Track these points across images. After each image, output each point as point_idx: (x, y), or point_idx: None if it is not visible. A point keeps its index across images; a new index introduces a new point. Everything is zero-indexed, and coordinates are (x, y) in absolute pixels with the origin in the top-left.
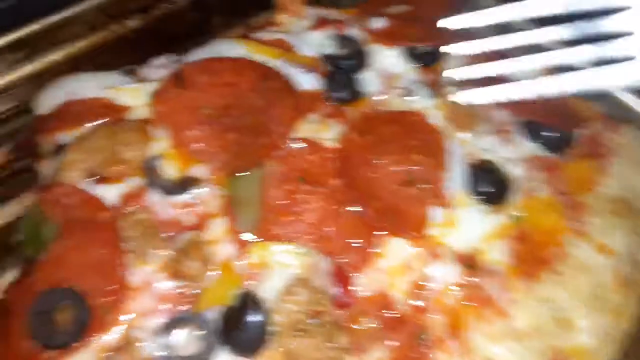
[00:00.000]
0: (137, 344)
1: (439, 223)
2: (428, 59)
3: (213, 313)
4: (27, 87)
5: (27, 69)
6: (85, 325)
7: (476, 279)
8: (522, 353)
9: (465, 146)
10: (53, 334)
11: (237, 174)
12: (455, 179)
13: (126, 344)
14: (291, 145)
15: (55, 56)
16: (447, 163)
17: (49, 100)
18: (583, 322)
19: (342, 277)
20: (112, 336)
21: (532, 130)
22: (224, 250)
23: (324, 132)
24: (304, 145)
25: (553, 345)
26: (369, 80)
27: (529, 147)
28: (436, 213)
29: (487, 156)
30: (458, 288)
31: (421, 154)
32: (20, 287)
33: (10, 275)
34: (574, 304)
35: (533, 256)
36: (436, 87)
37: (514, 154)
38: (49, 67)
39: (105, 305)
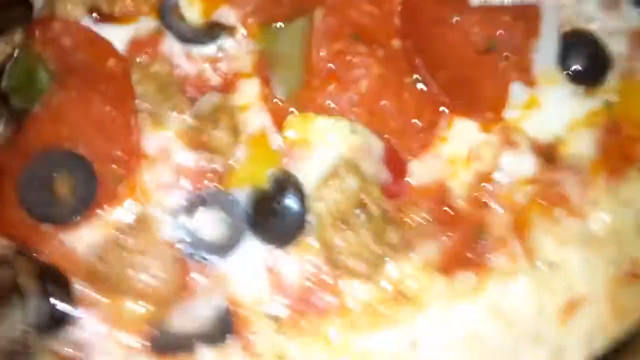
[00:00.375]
0: (153, 223)
1: (520, 104)
2: None
3: (242, 194)
4: None
5: None
6: (90, 196)
7: (554, 174)
8: (593, 260)
9: (564, 10)
10: (51, 205)
11: (275, 24)
12: (546, 50)
13: (140, 222)
14: None
15: None
16: (540, 29)
17: None
18: None
19: (396, 162)
20: (123, 212)
21: None
22: (256, 119)
23: None
24: None
25: (631, 255)
26: None
27: (637, 19)
28: (518, 91)
29: (587, 25)
30: (531, 183)
31: (513, 14)
32: (11, 145)
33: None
34: None
35: (621, 151)
36: None
37: (618, 25)
38: None
39: (115, 174)
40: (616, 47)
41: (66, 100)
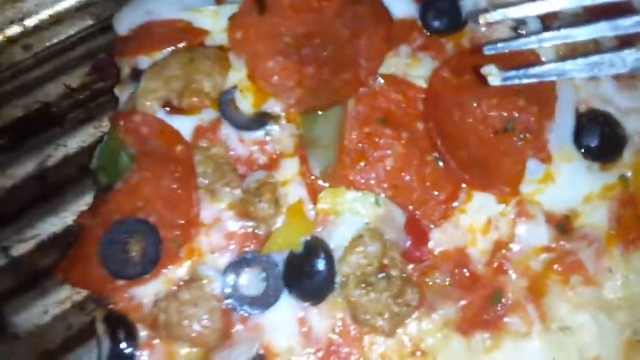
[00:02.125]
0: (204, 280)
1: (536, 179)
2: None
3: (280, 257)
4: (106, 3)
5: None
6: (157, 257)
7: (568, 244)
8: (607, 325)
9: (580, 92)
10: (126, 264)
11: (313, 112)
12: (561, 130)
13: (193, 279)
14: (377, 81)
15: None
16: (555, 111)
17: (128, 19)
18: None
19: (417, 230)
20: (181, 270)
21: None
22: (294, 192)
23: (414, 68)
24: (390, 82)
25: None
26: (473, 7)
27: None
28: (534, 167)
29: (602, 106)
30: (546, 251)
31: (528, 99)
32: (95, 215)
33: (86, 199)
34: None
35: (637, 222)
36: (551, 20)
37: (634, 104)
38: None
39: (177, 239)
40: (632, 124)
41: (142, 179)
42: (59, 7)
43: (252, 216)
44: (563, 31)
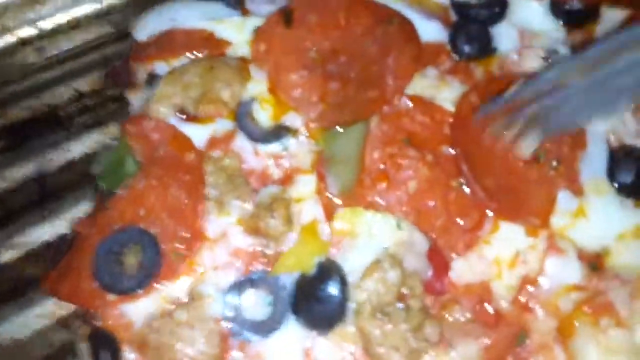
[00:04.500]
0: (204, 300)
1: (567, 212)
2: (578, 17)
3: (289, 278)
4: (125, 12)
5: None
6: (154, 271)
7: (600, 283)
8: None
9: (609, 123)
10: (120, 276)
11: (335, 129)
12: (593, 162)
13: (192, 298)
14: (403, 102)
15: None
16: (587, 141)
17: (149, 26)
18: None
19: (439, 259)
20: (179, 287)
21: None
22: (309, 211)
23: (441, 90)
24: (416, 103)
25: None
26: (504, 35)
27: None
28: (565, 199)
29: (632, 141)
30: (576, 290)
31: None
32: (92, 222)
33: (84, 208)
34: None
35: None
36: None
37: None
38: None
39: (178, 252)
40: None
41: (147, 186)
42: (77, 13)
43: (262, 233)
44: None
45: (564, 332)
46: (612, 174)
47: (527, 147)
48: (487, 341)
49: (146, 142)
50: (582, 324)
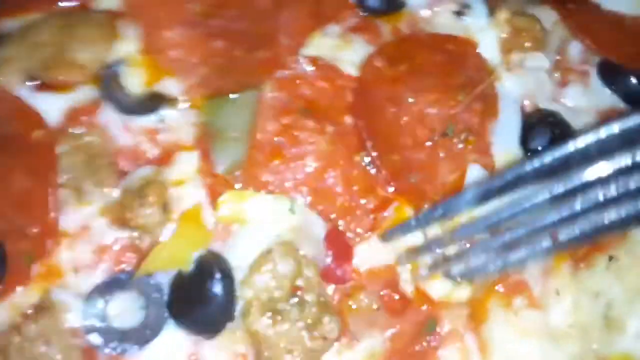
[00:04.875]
0: (61, 307)
1: None
2: None
3: (164, 277)
4: None
5: None
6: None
7: None
8: (554, 355)
9: (523, 88)
10: None
11: (220, 96)
12: (506, 131)
13: (48, 306)
14: (300, 65)
15: None
16: (499, 109)
17: None
18: (635, 325)
19: (339, 244)
20: (32, 294)
21: (611, 73)
22: (191, 195)
23: (344, 51)
24: (316, 67)
25: (595, 349)
26: None
27: (605, 96)
28: (475, 174)
29: (549, 104)
30: None
31: (468, 95)
32: None
33: None
34: (628, 300)
35: None
36: (495, 3)
37: (584, 103)
38: None
39: (28, 252)
40: (580, 124)
41: None
42: None
43: (132, 224)
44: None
45: (476, 318)
46: (524, 143)
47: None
48: (393, 331)
49: None
50: (495, 307)
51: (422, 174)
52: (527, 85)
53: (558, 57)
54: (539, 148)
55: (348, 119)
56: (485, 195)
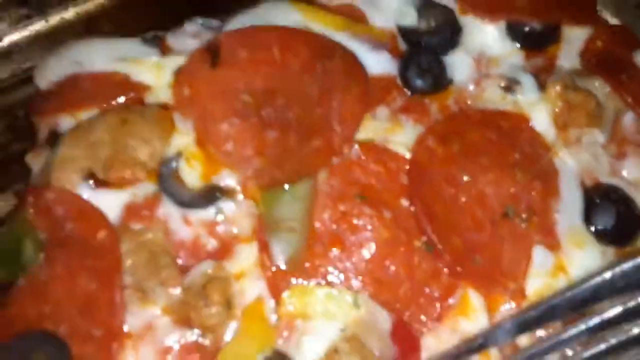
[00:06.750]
0: None
1: (545, 270)
2: (538, 39)
3: None
4: (33, 49)
5: (34, 27)
6: None
7: None
8: None
9: (580, 162)
10: None
11: (276, 187)
12: (567, 210)
13: None
14: (353, 150)
15: (67, 13)
16: (559, 186)
17: (51, 70)
18: None
19: (406, 337)
20: None
21: None
22: (252, 288)
23: (395, 133)
24: (368, 151)
25: None
26: (458, 64)
27: None
28: (542, 256)
29: (608, 179)
30: None
31: (526, 172)
32: None
33: None
34: None
35: None
36: (544, 77)
37: None
38: (59, 26)
39: (92, 355)
40: None
41: (52, 276)
42: None
43: (195, 324)
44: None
45: None
46: (588, 220)
47: None
48: None
49: (49, 217)
50: None
51: (485, 256)
52: (585, 160)
53: (613, 129)
54: (605, 227)
55: (404, 202)
56: (523, 326)
